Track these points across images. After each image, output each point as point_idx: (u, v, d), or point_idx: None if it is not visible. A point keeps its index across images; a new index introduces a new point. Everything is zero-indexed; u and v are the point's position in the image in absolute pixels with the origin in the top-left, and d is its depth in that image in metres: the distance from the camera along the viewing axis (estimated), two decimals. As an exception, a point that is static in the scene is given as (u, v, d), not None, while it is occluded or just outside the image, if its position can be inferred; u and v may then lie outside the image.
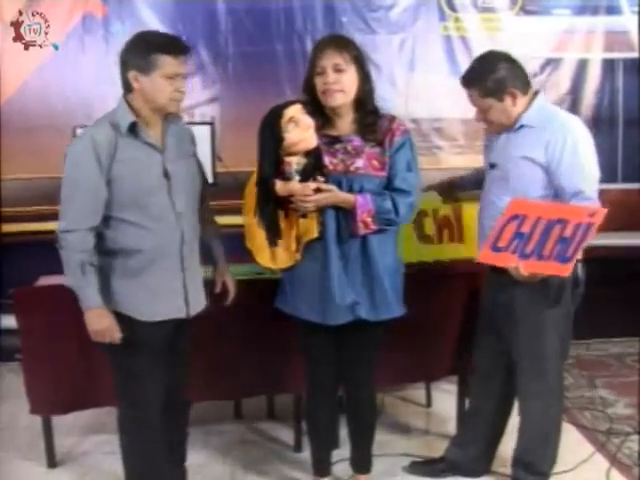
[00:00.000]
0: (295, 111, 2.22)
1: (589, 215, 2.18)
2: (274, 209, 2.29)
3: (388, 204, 2.29)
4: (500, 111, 2.39)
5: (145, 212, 2.17)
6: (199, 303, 2.37)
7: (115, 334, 2.17)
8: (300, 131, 2.21)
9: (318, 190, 2.25)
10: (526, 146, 2.37)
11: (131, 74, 2.12)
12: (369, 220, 2.27)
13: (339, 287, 2.31)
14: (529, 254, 2.22)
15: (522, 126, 2.39)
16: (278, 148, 2.24)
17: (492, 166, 2.47)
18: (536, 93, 2.44)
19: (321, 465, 2.65)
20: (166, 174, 2.20)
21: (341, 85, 2.26)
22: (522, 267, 2.21)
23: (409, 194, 2.32)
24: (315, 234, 2.29)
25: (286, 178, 2.25)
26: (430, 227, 2.90)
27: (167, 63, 2.11)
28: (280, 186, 2.26)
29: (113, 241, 2.19)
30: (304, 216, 2.29)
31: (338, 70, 2.25)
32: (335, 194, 2.27)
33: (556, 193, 2.34)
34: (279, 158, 2.26)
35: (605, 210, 2.18)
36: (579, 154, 2.32)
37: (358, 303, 2.33)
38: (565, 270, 2.17)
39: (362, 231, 2.29)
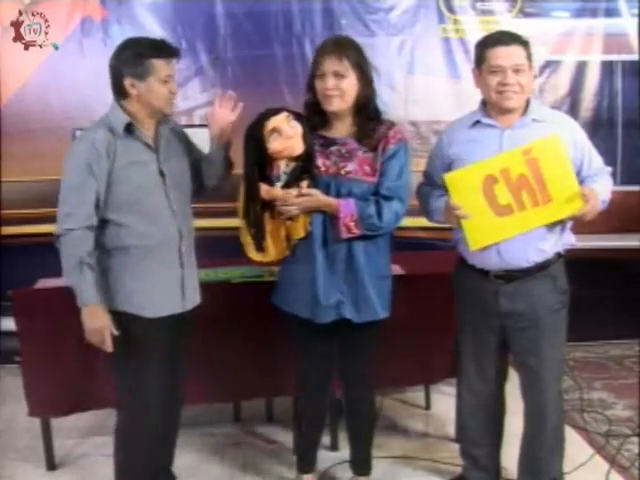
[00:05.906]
0: (278, 121, 2.23)
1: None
2: (260, 214, 2.30)
3: (371, 209, 2.29)
4: (531, 78, 2.27)
5: (143, 210, 2.23)
6: (195, 297, 2.41)
7: (107, 334, 2.16)
8: (283, 140, 2.23)
9: (302, 195, 2.26)
10: None
11: (127, 81, 2.19)
12: (352, 224, 2.28)
13: (324, 287, 2.32)
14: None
15: (533, 120, 2.29)
16: (262, 156, 2.27)
17: None
18: None
19: (305, 462, 2.66)
20: (161, 173, 2.27)
21: (339, 91, 2.27)
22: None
23: (395, 201, 2.31)
24: (302, 234, 2.31)
25: (273, 181, 2.27)
26: (504, 195, 2.24)
27: (161, 67, 2.19)
28: (264, 191, 2.27)
29: (114, 239, 2.23)
30: (290, 219, 2.30)
31: (337, 75, 2.26)
32: (317, 198, 2.28)
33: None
34: (264, 164, 2.28)
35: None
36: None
37: (343, 303, 2.34)
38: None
39: (345, 235, 2.29)
